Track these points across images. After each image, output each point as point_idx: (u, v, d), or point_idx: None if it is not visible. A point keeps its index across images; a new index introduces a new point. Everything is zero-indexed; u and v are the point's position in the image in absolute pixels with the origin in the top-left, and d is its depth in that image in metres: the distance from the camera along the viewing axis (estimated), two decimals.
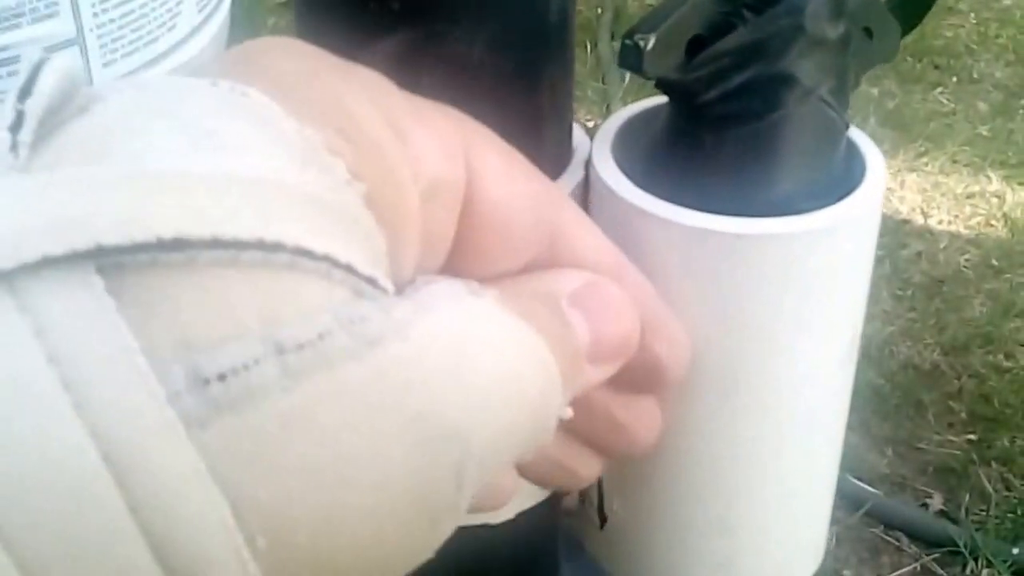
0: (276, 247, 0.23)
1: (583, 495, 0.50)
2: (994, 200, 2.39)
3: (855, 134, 0.43)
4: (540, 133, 0.42)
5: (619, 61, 0.38)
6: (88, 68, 0.63)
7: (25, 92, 0.24)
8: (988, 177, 2.45)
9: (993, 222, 2.32)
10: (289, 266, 0.23)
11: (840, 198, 0.41)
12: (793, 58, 0.39)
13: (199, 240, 0.22)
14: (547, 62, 0.41)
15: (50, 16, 0.58)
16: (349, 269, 0.24)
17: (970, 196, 2.39)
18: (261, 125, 0.25)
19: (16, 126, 0.23)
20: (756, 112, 0.39)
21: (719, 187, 0.40)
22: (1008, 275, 2.16)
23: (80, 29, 0.60)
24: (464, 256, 0.31)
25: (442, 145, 0.30)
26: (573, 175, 0.43)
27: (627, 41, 0.38)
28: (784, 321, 0.41)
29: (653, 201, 0.40)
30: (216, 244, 0.22)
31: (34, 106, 0.24)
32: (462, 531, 0.49)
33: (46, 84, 0.24)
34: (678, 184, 0.41)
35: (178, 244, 0.22)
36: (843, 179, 0.42)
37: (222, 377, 0.22)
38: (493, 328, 0.27)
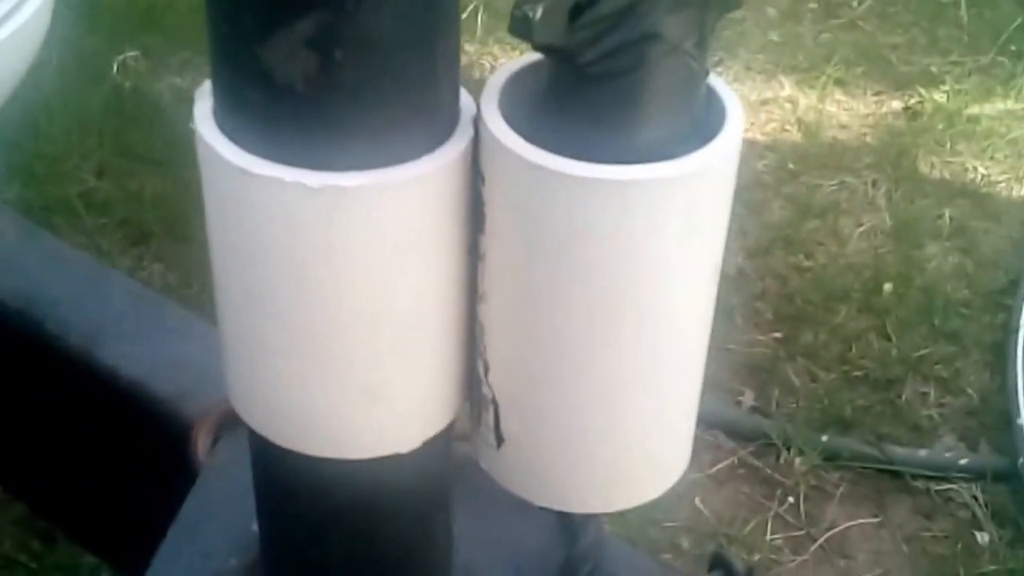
0: None
1: (477, 419, 0.55)
2: (787, 105, 2.51)
3: (713, 79, 0.48)
4: (437, 96, 0.46)
5: (510, 29, 0.42)
6: None
7: None
8: (780, 83, 2.57)
9: (787, 127, 2.45)
10: None
11: (707, 139, 0.46)
12: (660, 17, 0.44)
13: None
14: (440, 32, 0.45)
15: None
16: None
17: (764, 103, 2.51)
18: None
19: None
20: (629, 68, 0.44)
21: (600, 137, 0.45)
22: (804, 178, 2.29)
23: None
24: None
25: None
26: (464, 132, 0.47)
27: (516, 12, 0.42)
28: (665, 252, 0.47)
29: (546, 156, 0.45)
30: None
31: None
32: (373, 462, 0.53)
33: None
34: (563, 137, 0.45)
35: None
36: (707, 121, 0.47)
37: None
38: None
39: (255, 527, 0.78)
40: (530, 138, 0.46)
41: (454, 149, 0.47)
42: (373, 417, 0.51)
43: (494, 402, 0.53)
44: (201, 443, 0.81)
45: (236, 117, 0.45)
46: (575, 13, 0.43)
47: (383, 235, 0.46)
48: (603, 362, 0.50)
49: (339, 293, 0.47)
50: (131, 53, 2.57)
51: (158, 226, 2.20)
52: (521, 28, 0.42)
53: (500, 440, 0.54)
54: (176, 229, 2.18)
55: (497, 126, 0.46)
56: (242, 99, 0.45)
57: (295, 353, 0.49)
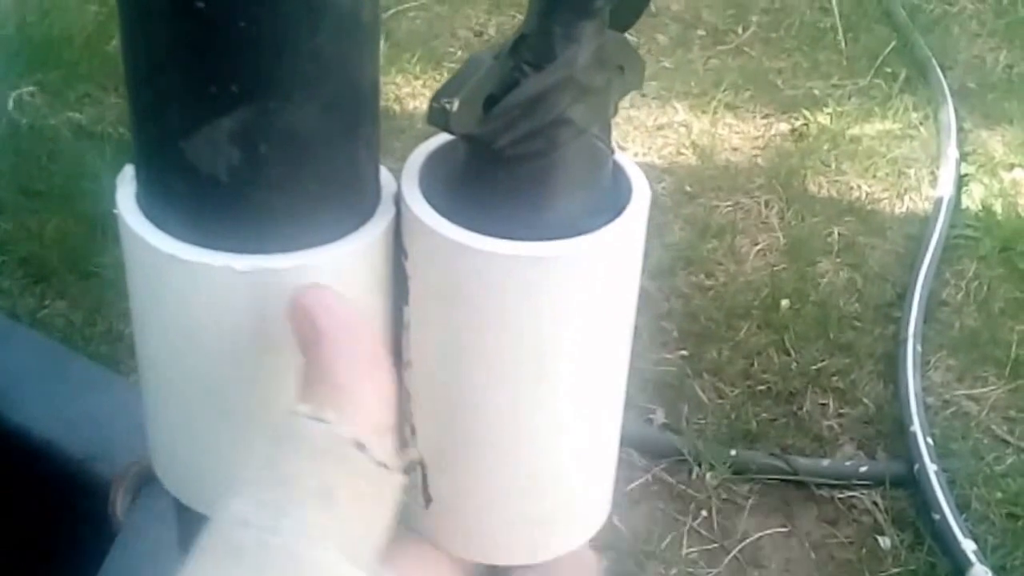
0: None
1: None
2: (682, 129, 2.57)
3: (618, 155, 0.51)
4: (360, 179, 0.48)
5: (428, 120, 0.45)
6: None
7: None
8: (674, 108, 2.63)
9: (683, 150, 2.51)
10: None
11: (617, 210, 0.49)
12: (568, 104, 0.46)
13: None
14: (362, 120, 0.47)
15: None
16: None
17: (660, 128, 2.57)
18: None
19: None
20: (541, 152, 0.47)
21: (515, 215, 0.48)
22: (701, 199, 2.34)
23: None
24: None
25: None
26: (386, 211, 0.49)
27: (435, 104, 0.44)
28: (583, 318, 0.49)
29: (467, 234, 0.47)
30: None
31: None
32: None
33: None
34: (482, 213, 0.48)
35: None
36: (615, 195, 0.50)
37: None
38: None
39: None
40: (450, 216, 0.48)
41: (377, 228, 0.49)
42: None
43: (421, 464, 0.55)
44: (120, 501, 0.82)
45: (162, 204, 0.47)
46: (489, 103, 0.45)
47: None
48: (525, 424, 0.52)
49: (263, 368, 0.49)
50: (27, 89, 2.54)
51: (60, 263, 2.18)
52: (440, 119, 0.45)
53: (428, 500, 0.56)
54: (79, 266, 2.17)
55: (418, 205, 0.48)
56: (167, 188, 0.46)
57: (219, 422, 0.51)
